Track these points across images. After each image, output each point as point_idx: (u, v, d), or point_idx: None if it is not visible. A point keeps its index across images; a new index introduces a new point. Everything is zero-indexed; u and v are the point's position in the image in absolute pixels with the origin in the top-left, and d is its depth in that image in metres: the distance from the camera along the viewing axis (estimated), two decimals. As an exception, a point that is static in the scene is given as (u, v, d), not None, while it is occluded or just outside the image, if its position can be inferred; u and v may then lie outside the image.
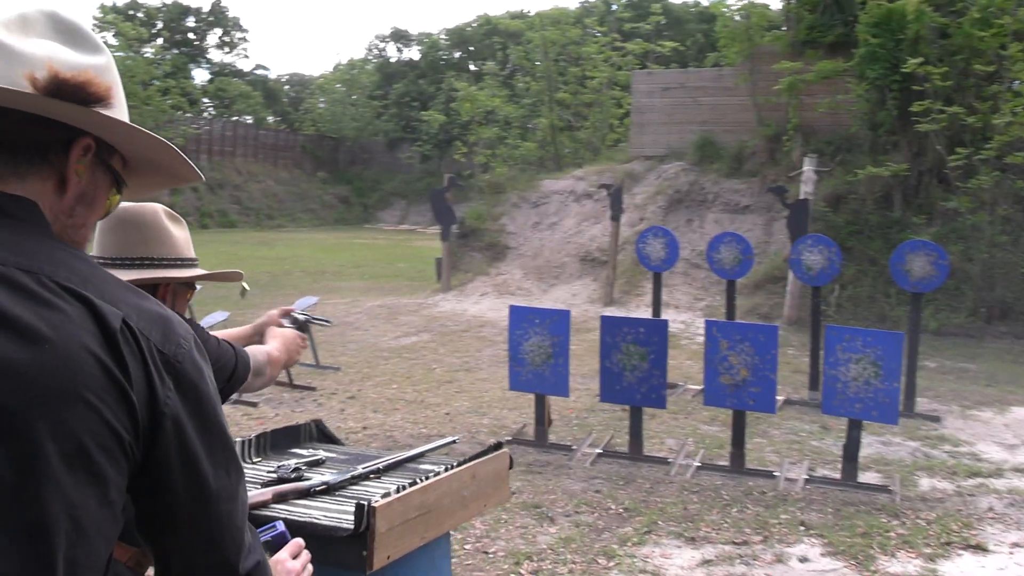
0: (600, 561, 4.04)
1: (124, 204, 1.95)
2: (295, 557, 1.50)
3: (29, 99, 0.97)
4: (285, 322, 2.47)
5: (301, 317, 2.57)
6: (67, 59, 1.01)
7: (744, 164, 14.01)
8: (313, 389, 7.43)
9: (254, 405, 6.81)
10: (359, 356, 9.04)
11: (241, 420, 6.38)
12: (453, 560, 4.01)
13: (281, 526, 1.75)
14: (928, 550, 4.19)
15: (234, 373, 1.97)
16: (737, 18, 14.66)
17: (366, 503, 1.85)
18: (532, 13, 23.81)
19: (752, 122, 14.15)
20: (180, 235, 1.97)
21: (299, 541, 1.55)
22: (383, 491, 2.00)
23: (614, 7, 29.70)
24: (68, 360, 0.89)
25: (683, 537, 4.36)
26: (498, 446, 2.37)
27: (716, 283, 11.43)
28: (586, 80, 20.88)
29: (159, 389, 0.97)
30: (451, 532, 4.26)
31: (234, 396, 2.38)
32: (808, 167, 11.02)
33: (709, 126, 14.76)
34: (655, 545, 4.26)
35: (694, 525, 4.52)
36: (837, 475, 5.28)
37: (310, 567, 1.54)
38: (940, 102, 10.89)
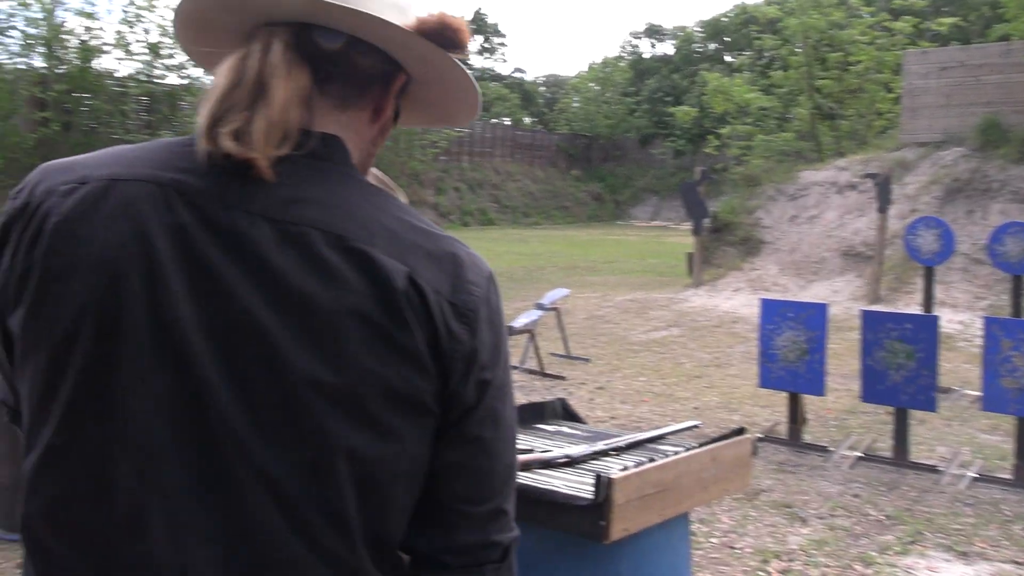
0: (856, 567, 3.81)
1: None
2: None
3: (401, 33, 0.99)
4: None
5: None
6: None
7: (1037, 148, 12.51)
8: (563, 378, 7.61)
9: (507, 391, 7.10)
10: (608, 348, 9.14)
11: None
12: (698, 552, 3.97)
13: None
14: None
15: None
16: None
17: (605, 475, 1.89)
18: (792, -1, 22.58)
19: (1048, 100, 12.59)
20: None
21: None
22: (622, 466, 2.03)
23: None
24: (339, 331, 0.90)
25: (953, 551, 4.00)
26: (740, 431, 2.32)
27: (1001, 280, 10.29)
28: (849, 66, 19.58)
29: (446, 342, 0.94)
30: (697, 524, 4.22)
31: None
32: (1119, 148, 9.62)
33: (995, 107, 13.30)
34: (920, 556, 3.94)
35: (967, 539, 4.12)
36: None
37: None
38: None
